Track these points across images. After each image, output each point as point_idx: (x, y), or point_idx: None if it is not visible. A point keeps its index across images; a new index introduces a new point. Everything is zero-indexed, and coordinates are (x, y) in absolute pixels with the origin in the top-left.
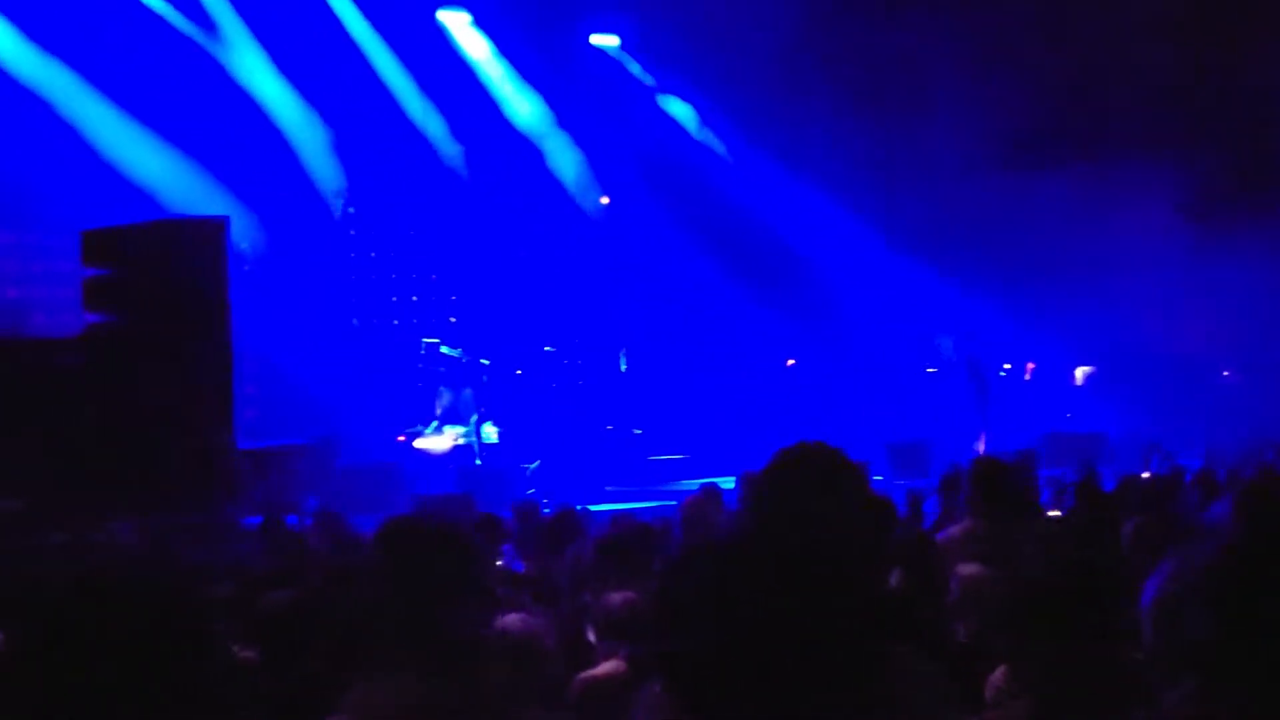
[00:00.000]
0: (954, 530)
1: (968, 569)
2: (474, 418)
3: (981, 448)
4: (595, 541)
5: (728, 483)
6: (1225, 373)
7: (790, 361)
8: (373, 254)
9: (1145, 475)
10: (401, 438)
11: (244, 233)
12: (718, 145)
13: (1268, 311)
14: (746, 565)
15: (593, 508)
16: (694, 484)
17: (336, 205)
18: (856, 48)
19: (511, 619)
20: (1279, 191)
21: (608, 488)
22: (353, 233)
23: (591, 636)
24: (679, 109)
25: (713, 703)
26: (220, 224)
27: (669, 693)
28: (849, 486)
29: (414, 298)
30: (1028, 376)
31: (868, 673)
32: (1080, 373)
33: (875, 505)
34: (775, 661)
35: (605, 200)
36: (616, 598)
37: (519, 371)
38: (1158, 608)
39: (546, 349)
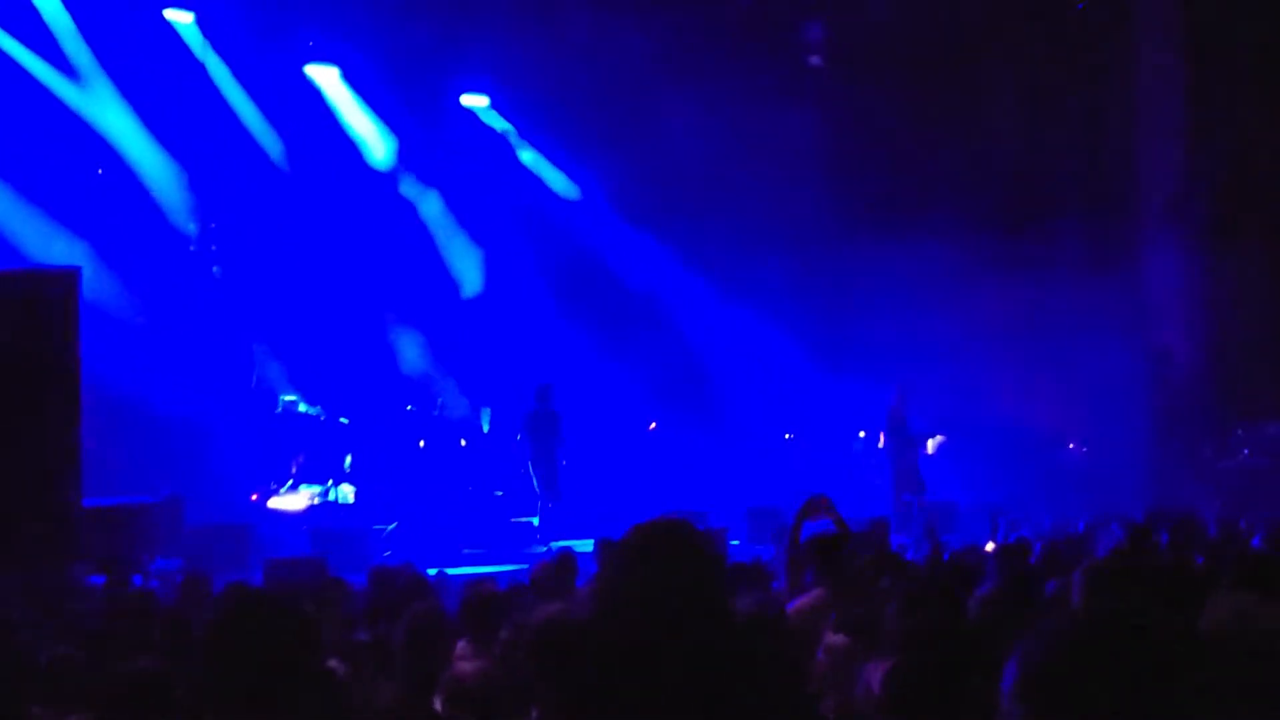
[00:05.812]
0: (804, 600)
1: (833, 640)
2: (330, 479)
3: None
4: (435, 609)
5: (587, 545)
6: (1071, 445)
7: (652, 425)
8: (230, 308)
9: (989, 546)
10: (255, 496)
11: (98, 281)
12: (581, 204)
13: (1115, 387)
14: (597, 651)
15: (449, 571)
16: (555, 546)
17: (190, 239)
18: (712, 108)
19: None
20: (1132, 268)
21: (466, 550)
22: (211, 280)
23: (439, 705)
24: (545, 169)
25: None
26: (73, 274)
27: None
28: (699, 568)
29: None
30: (881, 445)
31: None
32: (932, 443)
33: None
34: None
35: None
36: (468, 667)
37: (345, 420)
38: (1018, 688)
39: (408, 408)
